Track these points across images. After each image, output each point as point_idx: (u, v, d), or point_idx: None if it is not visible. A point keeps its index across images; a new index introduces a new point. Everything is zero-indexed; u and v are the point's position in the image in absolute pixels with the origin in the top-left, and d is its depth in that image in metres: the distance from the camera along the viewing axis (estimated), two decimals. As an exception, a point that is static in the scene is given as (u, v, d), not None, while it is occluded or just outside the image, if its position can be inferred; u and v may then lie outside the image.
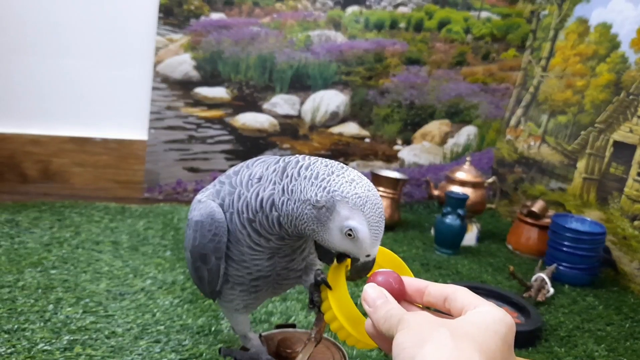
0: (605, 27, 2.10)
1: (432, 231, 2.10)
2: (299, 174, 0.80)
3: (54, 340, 1.14)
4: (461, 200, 1.94)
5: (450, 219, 1.94)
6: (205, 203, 0.90)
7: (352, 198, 0.74)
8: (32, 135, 2.07)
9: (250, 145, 2.34)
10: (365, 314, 0.65)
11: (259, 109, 2.32)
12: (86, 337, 1.17)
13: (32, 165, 2.10)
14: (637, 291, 1.77)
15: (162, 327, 1.24)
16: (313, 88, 2.35)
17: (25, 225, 1.74)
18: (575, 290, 1.73)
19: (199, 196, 0.94)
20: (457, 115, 2.57)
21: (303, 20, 2.26)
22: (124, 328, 1.22)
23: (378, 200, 0.76)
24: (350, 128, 2.45)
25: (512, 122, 2.54)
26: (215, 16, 2.17)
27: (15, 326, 1.17)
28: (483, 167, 2.59)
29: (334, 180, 0.76)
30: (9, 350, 1.09)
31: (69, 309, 1.27)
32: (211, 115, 2.27)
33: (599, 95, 2.06)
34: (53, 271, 1.45)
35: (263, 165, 0.87)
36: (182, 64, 2.18)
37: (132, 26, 2.11)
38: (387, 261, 0.81)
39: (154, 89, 2.18)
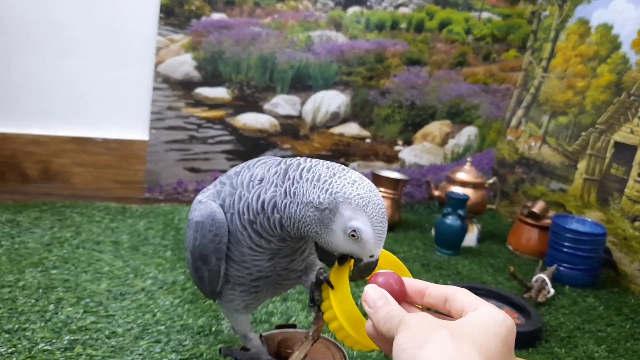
0: (606, 28, 2.10)
1: (433, 232, 2.10)
2: (300, 177, 0.80)
3: (54, 340, 1.14)
4: (462, 200, 1.94)
5: (450, 220, 1.94)
6: (206, 203, 0.90)
7: (355, 199, 0.75)
8: (33, 135, 2.08)
9: (251, 146, 2.34)
10: (365, 315, 0.65)
11: (260, 109, 2.32)
12: (87, 337, 1.17)
13: (33, 165, 2.10)
14: (637, 292, 1.77)
15: (162, 327, 1.25)
16: (314, 88, 2.35)
17: (26, 225, 1.74)
18: (576, 291, 1.73)
19: (199, 197, 0.94)
20: (458, 116, 2.57)
21: (304, 20, 2.27)
22: (125, 328, 1.23)
23: (380, 201, 0.76)
24: (351, 128, 2.45)
25: (513, 122, 2.54)
26: (216, 16, 2.17)
27: (16, 326, 1.17)
28: (484, 168, 2.59)
29: (335, 182, 0.77)
30: (9, 350, 1.09)
31: (70, 308, 1.28)
32: (212, 116, 2.27)
33: (600, 96, 2.06)
34: (54, 271, 1.46)
35: (264, 166, 0.87)
36: (183, 64, 2.18)
37: (133, 26, 2.11)
38: (386, 262, 0.81)
39: (154, 89, 2.18)
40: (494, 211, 2.41)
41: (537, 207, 2.01)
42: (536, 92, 2.43)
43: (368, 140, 2.49)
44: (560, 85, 2.28)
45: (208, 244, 0.89)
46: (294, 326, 1.18)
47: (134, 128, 2.19)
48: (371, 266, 0.78)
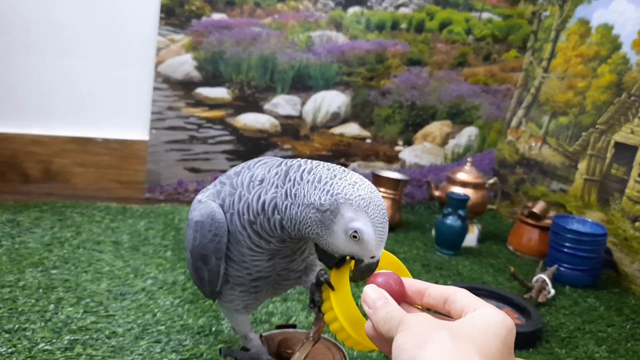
0: (606, 28, 2.10)
1: (433, 232, 2.09)
2: (301, 178, 0.80)
3: (54, 340, 1.14)
4: (462, 201, 1.94)
5: (451, 220, 1.94)
6: (206, 203, 0.90)
7: (356, 200, 0.75)
8: (34, 136, 2.08)
9: (251, 146, 2.34)
10: (366, 316, 0.65)
11: (260, 110, 2.32)
12: (87, 337, 1.17)
13: (34, 165, 2.10)
14: (638, 292, 1.77)
15: (162, 327, 1.25)
16: (314, 88, 2.35)
17: (27, 225, 1.74)
18: (576, 292, 1.73)
19: (199, 196, 0.94)
20: (458, 116, 2.56)
21: (304, 20, 2.27)
22: (125, 328, 1.23)
23: (381, 202, 0.77)
24: (352, 129, 2.45)
25: (513, 123, 2.54)
26: (217, 16, 2.17)
27: (16, 326, 1.17)
28: (484, 168, 2.59)
29: (336, 183, 0.77)
30: (9, 350, 1.09)
31: (70, 308, 1.28)
32: (212, 116, 2.27)
33: (600, 96, 2.06)
34: (54, 271, 1.46)
35: (265, 167, 0.87)
36: (184, 65, 2.18)
37: (133, 26, 2.11)
38: (386, 263, 0.81)
39: (155, 89, 2.18)
40: (494, 211, 2.40)
41: (538, 208, 2.01)
42: (537, 92, 2.43)
43: (368, 141, 2.49)
44: (560, 86, 2.28)
45: (208, 243, 0.89)
46: (294, 326, 1.18)
47: (135, 128, 2.19)
48: (372, 267, 0.78)
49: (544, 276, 1.64)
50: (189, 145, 2.26)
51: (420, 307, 0.68)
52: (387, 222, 0.77)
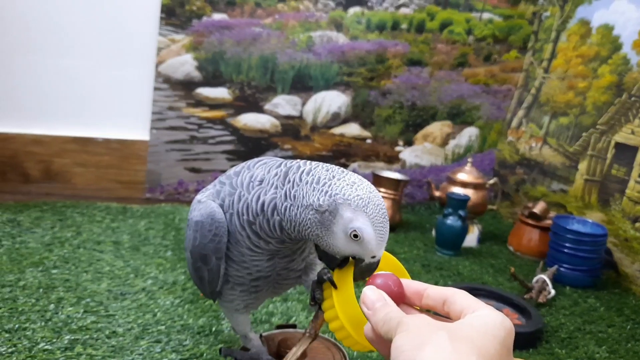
0: (607, 29, 2.10)
1: (433, 232, 2.09)
2: (300, 179, 0.80)
3: (54, 340, 1.14)
4: (462, 201, 1.94)
5: (451, 220, 1.94)
6: (206, 203, 0.90)
7: (354, 200, 0.75)
8: (34, 135, 2.08)
9: (251, 146, 2.34)
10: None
11: (261, 110, 2.32)
12: (87, 336, 1.17)
13: (34, 165, 2.10)
14: (638, 293, 1.77)
15: (162, 327, 1.25)
16: (315, 89, 2.35)
17: (27, 225, 1.74)
18: (577, 292, 1.73)
19: (199, 196, 0.94)
20: (459, 117, 2.56)
21: (305, 21, 2.27)
22: (125, 328, 1.23)
23: (380, 202, 0.77)
24: (352, 129, 2.45)
25: (514, 123, 2.54)
26: (217, 17, 2.17)
27: (16, 325, 1.18)
28: (484, 169, 2.59)
29: (335, 184, 0.77)
30: (10, 350, 1.09)
31: (70, 308, 1.28)
32: (213, 116, 2.27)
33: (601, 96, 2.06)
34: (54, 271, 1.46)
35: (264, 167, 0.87)
36: (184, 65, 2.19)
37: (134, 26, 2.11)
38: (385, 264, 0.81)
39: (155, 89, 2.18)
40: (494, 212, 2.40)
41: (538, 208, 2.01)
42: (537, 92, 2.43)
43: (369, 141, 2.49)
44: (561, 86, 2.28)
45: (208, 243, 0.89)
46: (294, 326, 1.18)
47: (135, 128, 2.19)
48: (373, 266, 0.78)
49: (544, 276, 1.64)
50: (189, 145, 2.26)
51: (419, 308, 0.68)
52: (388, 222, 0.77)
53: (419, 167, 2.57)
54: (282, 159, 0.89)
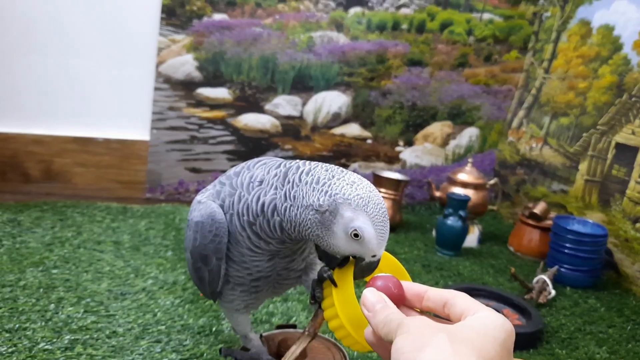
0: (607, 29, 2.10)
1: (434, 232, 2.09)
2: (300, 180, 0.80)
3: (55, 340, 1.14)
4: (463, 201, 1.94)
5: (451, 221, 1.94)
6: (206, 204, 0.90)
7: (354, 199, 0.75)
8: (35, 135, 2.08)
9: (252, 146, 2.34)
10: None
11: (261, 110, 2.32)
12: (87, 336, 1.17)
13: (35, 165, 2.10)
14: (638, 293, 1.77)
15: (163, 327, 1.25)
16: (315, 89, 2.35)
17: (27, 224, 1.74)
18: (577, 293, 1.73)
19: (198, 197, 0.94)
20: (459, 117, 2.56)
21: (305, 21, 2.27)
22: (125, 328, 1.23)
23: (380, 201, 0.77)
24: (352, 129, 2.45)
25: (514, 123, 2.54)
26: (218, 17, 2.17)
27: (17, 325, 1.18)
28: (485, 169, 2.59)
29: (334, 183, 0.77)
30: (10, 350, 1.09)
31: (70, 308, 1.28)
32: (213, 116, 2.27)
33: (601, 97, 2.06)
34: (54, 271, 1.46)
35: (264, 168, 0.87)
36: (185, 65, 2.19)
37: (134, 27, 2.11)
38: (387, 265, 0.81)
39: (156, 89, 2.18)
40: (495, 212, 2.40)
41: (538, 208, 2.00)
42: (537, 93, 2.43)
43: (369, 141, 2.49)
44: (561, 86, 2.28)
45: (208, 244, 0.89)
46: (294, 326, 1.18)
47: (135, 128, 2.20)
48: (373, 266, 0.78)
49: (544, 277, 1.64)
50: (189, 146, 2.26)
51: (419, 310, 0.67)
52: (388, 221, 0.77)
53: (420, 167, 2.57)
54: (281, 159, 0.89)
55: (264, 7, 2.21)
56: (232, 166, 0.93)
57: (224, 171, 2.22)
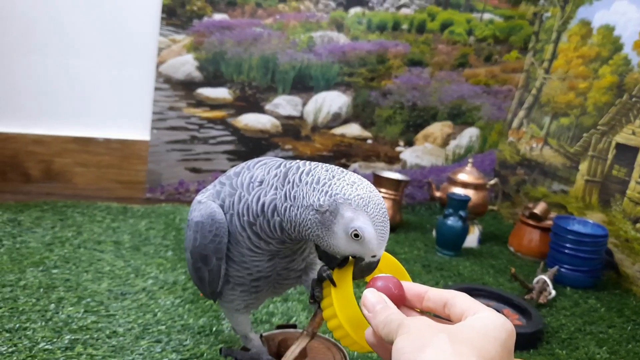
0: (608, 29, 2.10)
1: (434, 233, 2.09)
2: (300, 180, 0.80)
3: (55, 340, 1.14)
4: (463, 202, 1.94)
5: (452, 221, 1.94)
6: (206, 204, 0.90)
7: (355, 199, 0.75)
8: (35, 135, 2.08)
9: (252, 146, 2.34)
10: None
11: (262, 110, 2.32)
12: (87, 336, 1.17)
13: (35, 165, 2.10)
14: (639, 294, 1.77)
15: (163, 327, 1.25)
16: (315, 89, 2.35)
17: (28, 224, 1.74)
18: (577, 293, 1.73)
19: (199, 197, 0.94)
20: (460, 117, 2.56)
21: (306, 21, 2.27)
22: (125, 328, 1.23)
23: (381, 201, 0.77)
24: (353, 129, 2.45)
25: (515, 124, 2.54)
26: (218, 17, 2.17)
27: (17, 325, 1.18)
28: (485, 169, 2.59)
29: (335, 184, 0.77)
30: (10, 350, 1.09)
31: (71, 308, 1.28)
32: (213, 116, 2.27)
33: (602, 97, 2.06)
34: (55, 270, 1.46)
35: (264, 168, 0.87)
36: (185, 65, 2.19)
37: (135, 27, 2.11)
38: (387, 265, 0.81)
39: (156, 89, 2.18)
40: (495, 212, 2.40)
41: (539, 209, 2.00)
42: (538, 93, 2.43)
43: (369, 141, 2.49)
44: (561, 87, 2.28)
45: (208, 244, 0.89)
46: (294, 326, 1.18)
47: (136, 128, 2.20)
48: (372, 266, 0.79)
49: (544, 277, 1.64)
50: (190, 146, 2.26)
51: (419, 310, 0.67)
52: (388, 221, 0.77)
53: (420, 167, 2.57)
54: (281, 160, 0.89)
55: (264, 7, 2.21)
56: (233, 166, 0.93)
57: (224, 171, 2.22)
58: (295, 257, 0.95)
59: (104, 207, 2.00)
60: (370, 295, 0.64)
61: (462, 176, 2.13)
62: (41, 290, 1.35)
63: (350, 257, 0.81)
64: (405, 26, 2.39)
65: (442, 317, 0.63)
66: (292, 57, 2.28)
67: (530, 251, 2.01)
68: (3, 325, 1.17)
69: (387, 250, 0.80)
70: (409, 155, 2.55)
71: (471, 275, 1.79)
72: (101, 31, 2.07)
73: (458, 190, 2.09)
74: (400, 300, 0.66)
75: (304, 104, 2.37)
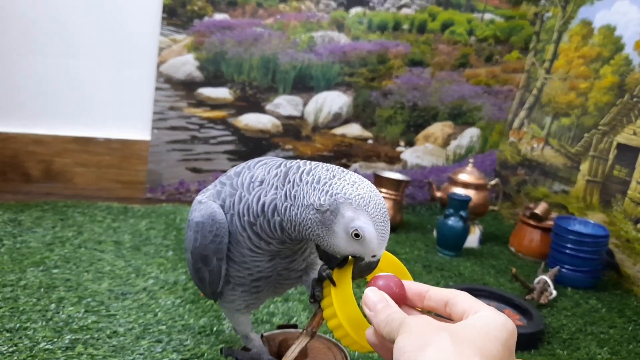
0: (609, 29, 2.10)
1: (435, 233, 2.09)
2: (300, 179, 0.80)
3: (55, 340, 1.14)
4: (464, 202, 1.94)
5: (452, 221, 1.94)
6: (206, 204, 0.90)
7: (356, 199, 0.75)
8: (36, 135, 2.08)
9: (252, 146, 2.34)
10: (366, 317, 0.65)
11: (262, 110, 2.32)
12: (88, 336, 1.17)
13: (35, 165, 2.10)
14: (640, 294, 1.77)
15: (163, 327, 1.25)
16: (316, 89, 2.35)
17: (28, 224, 1.74)
18: (578, 293, 1.73)
19: (199, 197, 0.94)
20: (460, 117, 2.56)
21: (306, 21, 2.27)
22: (126, 328, 1.23)
23: (381, 201, 0.77)
24: (353, 129, 2.45)
25: (515, 124, 2.54)
26: (219, 17, 2.17)
27: (17, 325, 1.18)
28: (486, 169, 2.59)
29: (335, 183, 0.77)
30: (10, 349, 1.09)
31: (71, 308, 1.28)
32: (214, 116, 2.27)
33: (603, 97, 2.06)
34: (55, 270, 1.46)
35: (265, 168, 0.87)
36: (186, 65, 2.19)
37: (135, 26, 2.11)
38: (388, 264, 0.81)
39: (157, 89, 2.18)
40: (496, 212, 2.40)
41: (540, 209, 2.00)
42: (539, 93, 2.42)
43: (370, 141, 2.49)
44: (562, 87, 2.28)
45: (209, 244, 0.89)
46: (295, 326, 1.18)
47: (136, 128, 2.20)
48: (372, 265, 0.79)
49: (545, 277, 1.64)
50: (190, 146, 2.26)
51: (420, 309, 0.67)
52: (389, 221, 0.77)
53: (420, 167, 2.56)
54: (282, 159, 0.89)
55: (265, 7, 2.21)
56: (233, 166, 0.92)
57: (224, 171, 2.22)
58: (296, 257, 0.95)
59: (104, 207, 2.00)
60: (372, 294, 0.64)
61: (463, 176, 2.13)
62: (42, 290, 1.34)
63: (349, 257, 0.80)
64: (406, 26, 2.39)
65: (443, 316, 0.63)
66: (292, 57, 2.28)
67: (531, 251, 2.01)
68: (4, 325, 1.17)
69: (387, 250, 0.80)
70: (409, 155, 2.55)
71: (472, 276, 1.78)
72: (102, 31, 2.07)
73: (459, 191, 2.08)
74: (402, 300, 0.66)
75: (305, 104, 2.36)
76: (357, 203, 0.75)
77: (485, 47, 2.50)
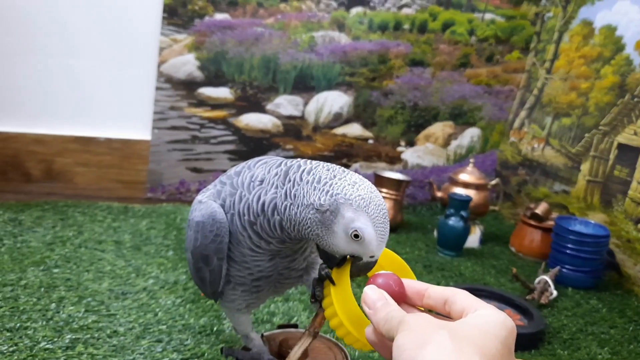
0: (610, 30, 2.10)
1: (435, 233, 2.09)
2: (301, 179, 0.80)
3: (56, 339, 1.14)
4: (464, 202, 1.94)
5: (453, 221, 1.93)
6: (207, 203, 0.90)
7: (356, 200, 0.75)
8: (36, 135, 2.08)
9: (253, 146, 2.34)
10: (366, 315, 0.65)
11: (263, 110, 2.32)
12: (88, 336, 1.17)
13: (36, 165, 2.10)
14: (640, 294, 1.77)
15: (164, 327, 1.25)
16: (317, 89, 2.35)
17: (29, 224, 1.74)
18: (579, 293, 1.73)
19: (199, 196, 0.94)
20: (461, 117, 2.56)
21: (307, 21, 2.27)
22: (126, 327, 1.23)
23: (381, 202, 0.77)
24: (354, 129, 2.45)
25: (516, 124, 2.54)
26: (220, 16, 2.17)
27: (18, 324, 1.18)
28: (486, 169, 2.58)
29: (336, 183, 0.77)
30: (11, 349, 1.09)
31: (71, 307, 1.28)
32: (215, 116, 2.27)
33: (604, 97, 2.06)
34: (56, 270, 1.46)
35: (265, 167, 0.87)
36: (186, 64, 2.19)
37: (136, 26, 2.11)
38: (390, 263, 0.81)
39: (157, 89, 2.18)
40: (496, 213, 2.40)
41: (540, 209, 2.00)
42: (539, 93, 2.42)
43: (371, 141, 2.49)
44: (563, 87, 2.28)
45: (209, 244, 0.89)
46: (295, 326, 1.18)
47: (137, 128, 2.20)
48: (369, 266, 0.79)
49: (546, 277, 1.64)
50: (191, 145, 2.26)
51: (420, 308, 0.67)
52: (388, 222, 0.77)
53: (421, 167, 2.56)
54: (282, 158, 0.89)
55: (265, 7, 2.21)
56: (233, 166, 0.92)
57: (225, 171, 2.21)
58: (297, 257, 0.95)
59: (104, 206, 2.00)
60: (371, 292, 0.64)
61: (464, 176, 2.13)
62: (42, 289, 1.34)
63: (348, 256, 0.81)
64: (406, 26, 2.39)
65: (442, 314, 0.63)
66: (293, 56, 2.28)
67: (532, 251, 2.01)
68: (4, 324, 1.17)
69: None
70: (410, 155, 2.55)
71: (472, 276, 1.78)
72: (102, 31, 2.07)
73: (459, 191, 2.08)
74: (401, 298, 0.66)
75: (305, 104, 2.36)
76: (358, 204, 0.75)
77: (486, 47, 2.50)
